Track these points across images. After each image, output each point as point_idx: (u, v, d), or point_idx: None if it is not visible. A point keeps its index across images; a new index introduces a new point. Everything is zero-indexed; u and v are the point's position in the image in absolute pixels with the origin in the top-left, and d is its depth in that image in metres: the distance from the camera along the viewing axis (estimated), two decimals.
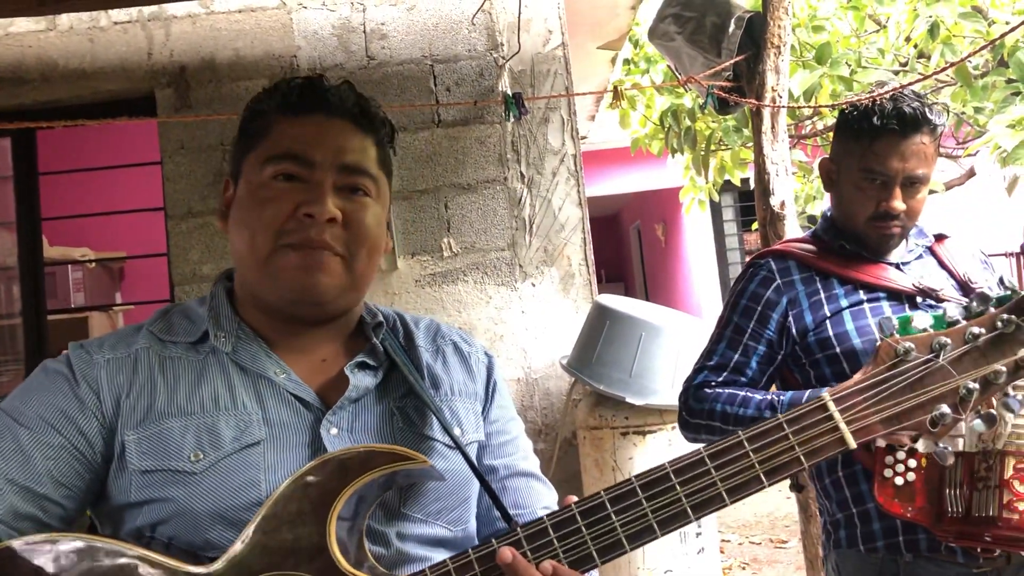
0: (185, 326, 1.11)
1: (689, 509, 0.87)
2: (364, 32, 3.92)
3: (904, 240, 1.79)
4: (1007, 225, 7.40)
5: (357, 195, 1.10)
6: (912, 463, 1.52)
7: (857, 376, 0.87)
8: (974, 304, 0.89)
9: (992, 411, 0.85)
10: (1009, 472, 1.39)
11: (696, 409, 1.75)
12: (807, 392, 1.64)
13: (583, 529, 0.88)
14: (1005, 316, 0.85)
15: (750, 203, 8.21)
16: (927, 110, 1.70)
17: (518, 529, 0.92)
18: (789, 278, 1.76)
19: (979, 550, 1.50)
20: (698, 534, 3.36)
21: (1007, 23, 3.83)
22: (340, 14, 3.92)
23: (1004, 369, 0.84)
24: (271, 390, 1.06)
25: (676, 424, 1.87)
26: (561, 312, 3.87)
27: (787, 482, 3.36)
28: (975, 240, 1.90)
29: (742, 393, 1.71)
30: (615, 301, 3.52)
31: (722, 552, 5.03)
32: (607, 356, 3.32)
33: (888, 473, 1.52)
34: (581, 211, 3.91)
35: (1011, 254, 7.14)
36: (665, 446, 3.33)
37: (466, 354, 1.21)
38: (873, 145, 1.69)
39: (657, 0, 4.08)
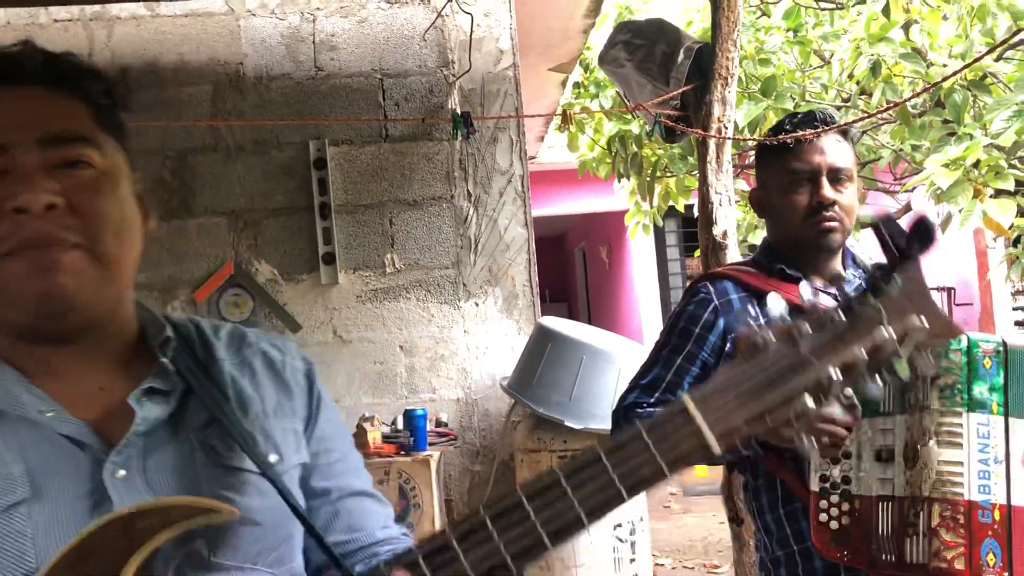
0: None
1: (546, 537, 0.77)
2: (313, 43, 3.87)
3: (843, 267, 1.82)
4: (940, 260, 7.61)
5: (78, 168, 0.88)
6: (845, 507, 1.51)
7: (719, 375, 0.83)
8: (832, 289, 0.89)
9: (854, 399, 0.83)
10: (936, 520, 1.37)
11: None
12: None
13: (496, 536, 0.76)
14: (859, 298, 0.84)
15: (693, 229, 8.30)
16: (834, 120, 1.82)
17: (413, 549, 0.78)
18: (726, 298, 1.77)
19: None
20: (632, 560, 3.36)
21: (944, 65, 3.95)
22: (289, 23, 3.87)
23: (863, 352, 0.82)
24: (34, 433, 0.85)
25: None
26: (503, 333, 3.85)
27: (722, 507, 3.31)
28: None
29: None
30: (557, 324, 3.52)
31: None
32: (547, 379, 3.31)
33: (823, 517, 1.52)
34: (527, 232, 3.90)
35: (943, 289, 7.34)
36: None
37: (279, 365, 1.02)
38: (791, 148, 1.76)
39: (609, 26, 4.12)
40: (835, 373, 0.81)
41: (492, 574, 0.76)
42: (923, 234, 0.89)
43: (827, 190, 1.72)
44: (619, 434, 0.80)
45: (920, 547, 1.38)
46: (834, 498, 1.52)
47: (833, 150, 1.75)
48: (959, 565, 1.35)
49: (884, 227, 0.89)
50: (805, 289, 0.88)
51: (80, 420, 0.87)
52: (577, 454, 0.79)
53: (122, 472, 0.85)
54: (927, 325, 0.84)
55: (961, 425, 1.41)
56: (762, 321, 1.74)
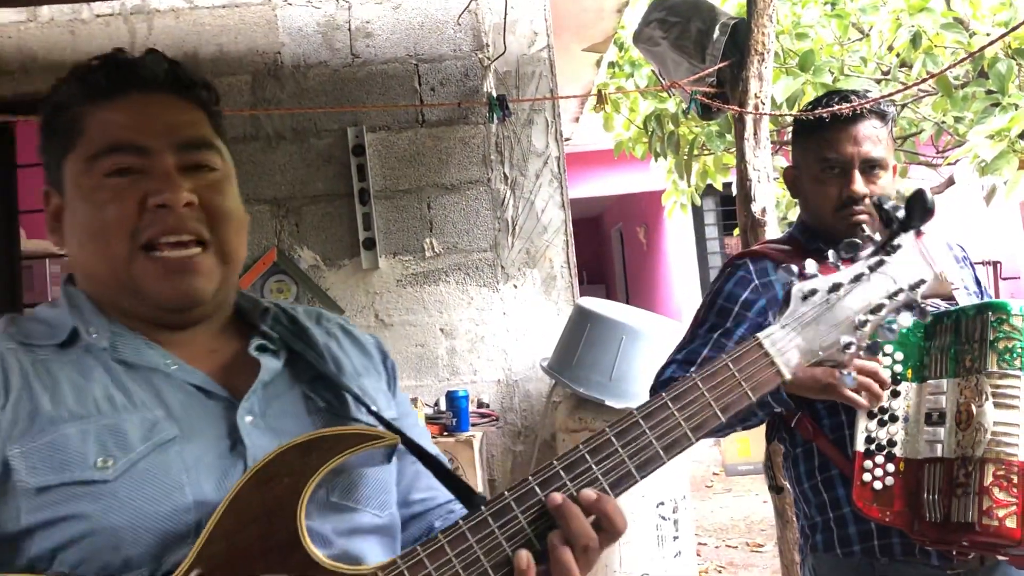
0: (43, 330, 0.96)
1: (661, 451, 0.92)
2: (349, 30, 3.90)
3: None
4: (985, 233, 7.48)
5: (204, 171, 0.99)
6: (891, 468, 1.53)
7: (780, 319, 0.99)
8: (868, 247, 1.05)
9: (878, 340, 1.01)
10: (989, 479, 1.39)
11: None
12: None
13: (620, 450, 0.91)
14: (874, 258, 1.03)
15: (732, 208, 8.24)
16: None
17: (554, 462, 0.92)
18: (767, 279, 1.77)
19: (954, 553, 1.52)
20: (675, 537, 3.37)
21: (987, 34, 3.87)
22: (325, 11, 3.91)
23: (885, 300, 1.01)
24: (168, 384, 0.94)
25: None
26: (542, 314, 3.87)
27: (765, 486, 3.32)
28: (952, 237, 1.91)
29: None
30: (596, 304, 3.53)
31: (698, 555, 5.06)
32: (587, 359, 3.33)
33: (867, 477, 1.54)
34: (564, 213, 3.91)
35: (988, 263, 7.21)
36: None
37: (355, 335, 1.13)
38: (826, 134, 1.73)
39: (643, 4, 4.10)
40: (865, 317, 0.99)
41: (622, 483, 0.92)
42: (919, 206, 1.05)
43: (858, 184, 1.71)
44: (710, 367, 0.95)
45: (968, 507, 1.40)
46: (879, 459, 1.54)
47: (868, 139, 1.72)
48: (1010, 524, 1.37)
49: (883, 204, 1.06)
50: (811, 266, 1.02)
51: (205, 374, 0.96)
52: (675, 385, 0.95)
53: (249, 418, 0.94)
54: (926, 279, 1.03)
55: (1018, 388, 1.42)
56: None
